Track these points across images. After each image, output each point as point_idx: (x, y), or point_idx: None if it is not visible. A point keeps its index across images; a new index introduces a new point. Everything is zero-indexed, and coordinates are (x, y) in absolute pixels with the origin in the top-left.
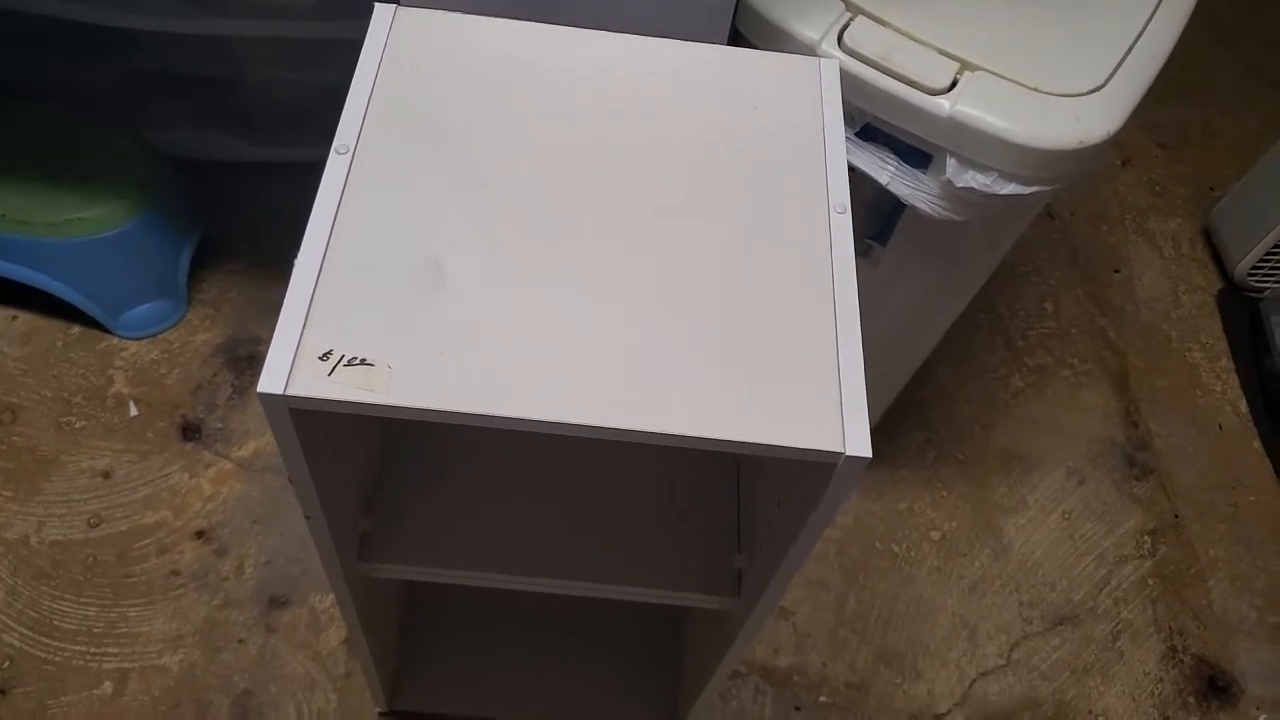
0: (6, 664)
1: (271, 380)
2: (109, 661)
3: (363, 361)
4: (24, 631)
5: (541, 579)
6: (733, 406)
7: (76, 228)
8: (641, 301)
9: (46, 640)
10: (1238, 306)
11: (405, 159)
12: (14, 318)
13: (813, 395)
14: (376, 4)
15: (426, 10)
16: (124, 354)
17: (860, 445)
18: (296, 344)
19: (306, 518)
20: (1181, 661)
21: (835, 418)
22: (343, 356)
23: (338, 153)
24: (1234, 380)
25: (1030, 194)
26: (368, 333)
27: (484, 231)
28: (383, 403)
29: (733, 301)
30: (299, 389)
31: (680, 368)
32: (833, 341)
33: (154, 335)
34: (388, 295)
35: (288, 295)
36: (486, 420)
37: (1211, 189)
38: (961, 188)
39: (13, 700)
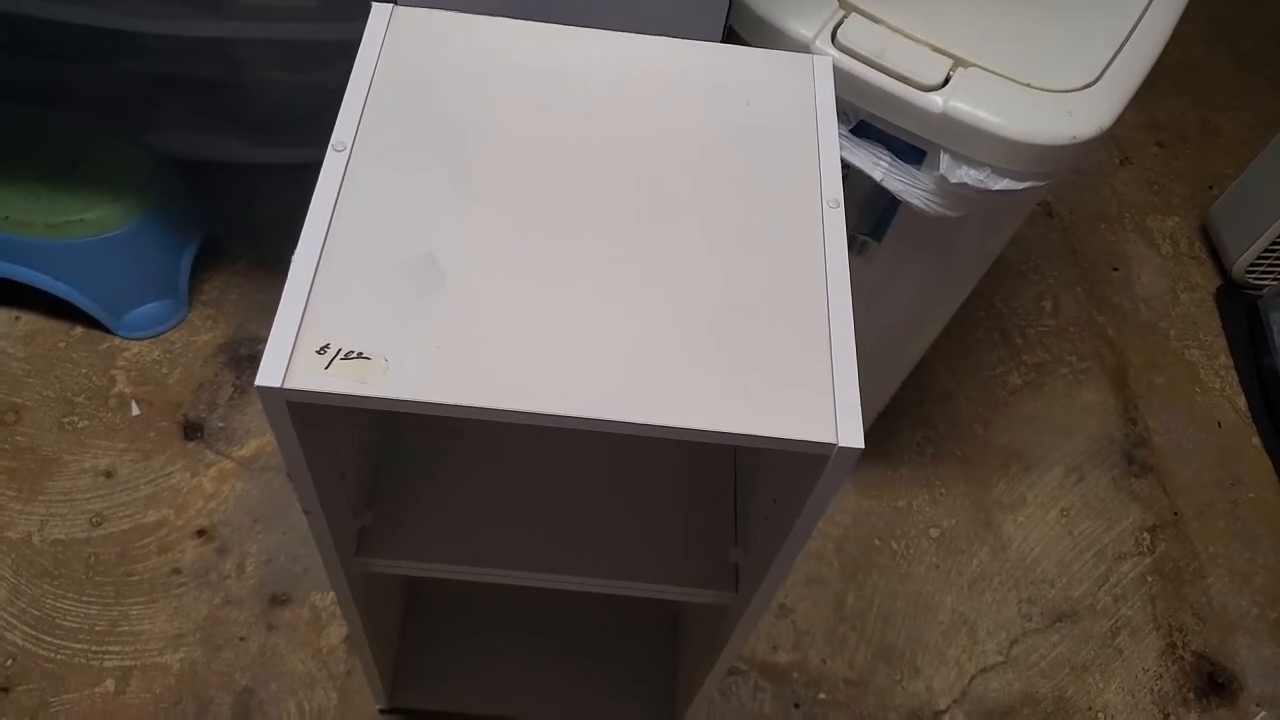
0: (9, 662)
1: (269, 373)
2: (110, 659)
3: (359, 355)
4: (26, 630)
5: (539, 574)
6: (727, 399)
7: (78, 229)
8: (636, 296)
9: (49, 638)
10: (1236, 304)
11: (402, 156)
12: (17, 319)
13: (806, 387)
14: (374, 3)
15: (422, 10)
16: (126, 354)
17: (853, 437)
18: (294, 338)
19: (305, 512)
20: (1181, 658)
21: (828, 410)
22: (340, 350)
23: (335, 150)
24: (1233, 378)
25: (1024, 189)
26: (364, 327)
27: (479, 228)
28: (379, 395)
29: (727, 295)
30: (296, 382)
31: (675, 361)
32: (826, 334)
33: (156, 336)
34: (384, 290)
35: (285, 290)
36: (481, 413)
37: (1210, 187)
38: (955, 183)
39: (15, 698)
